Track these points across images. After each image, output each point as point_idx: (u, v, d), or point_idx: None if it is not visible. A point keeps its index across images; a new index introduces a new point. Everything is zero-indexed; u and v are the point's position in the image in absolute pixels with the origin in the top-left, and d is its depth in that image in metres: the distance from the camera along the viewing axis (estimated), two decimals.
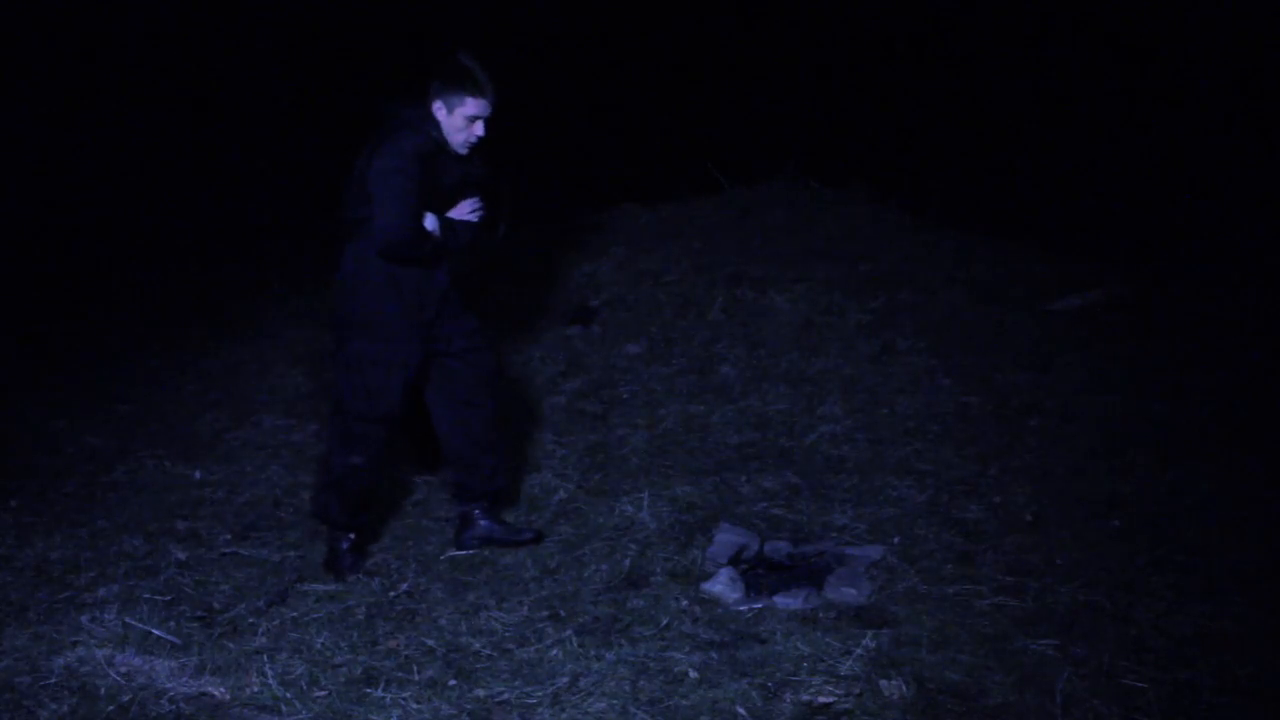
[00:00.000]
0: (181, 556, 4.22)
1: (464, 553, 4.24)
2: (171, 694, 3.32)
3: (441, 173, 4.01)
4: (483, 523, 4.30)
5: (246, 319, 7.30)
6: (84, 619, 3.70)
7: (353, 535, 4.17)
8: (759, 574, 4.00)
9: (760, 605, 3.74)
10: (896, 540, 4.06)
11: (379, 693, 3.34)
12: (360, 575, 4.08)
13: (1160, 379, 5.20)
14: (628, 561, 4.06)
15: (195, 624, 3.74)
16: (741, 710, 3.16)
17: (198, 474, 5.01)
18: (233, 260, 9.12)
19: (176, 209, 10.07)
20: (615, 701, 3.23)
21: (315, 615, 3.80)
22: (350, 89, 11.10)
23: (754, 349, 5.70)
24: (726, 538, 4.09)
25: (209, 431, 5.52)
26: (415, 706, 3.27)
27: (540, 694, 3.29)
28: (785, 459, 4.77)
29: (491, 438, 4.28)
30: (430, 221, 3.98)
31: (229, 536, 4.41)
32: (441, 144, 3.98)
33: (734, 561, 3.99)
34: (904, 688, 3.19)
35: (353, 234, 4.00)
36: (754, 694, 3.22)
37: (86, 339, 7.45)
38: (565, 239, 7.25)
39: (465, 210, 4.10)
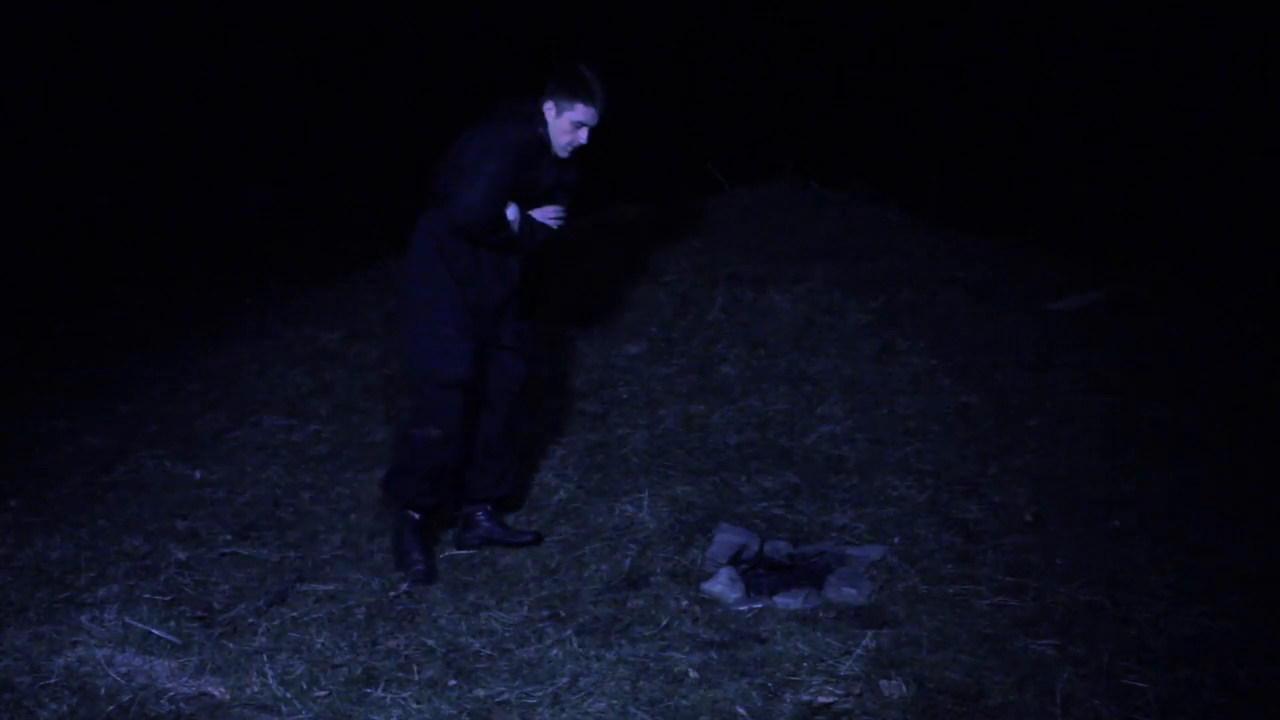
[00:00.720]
0: (181, 556, 4.22)
1: (464, 552, 4.24)
2: (171, 694, 3.32)
3: (538, 171, 4.06)
4: (484, 524, 4.31)
5: (246, 319, 7.30)
6: (84, 619, 3.70)
7: (417, 516, 4.12)
8: (759, 574, 4.00)
9: (760, 605, 3.74)
10: (896, 540, 4.06)
11: (379, 693, 3.34)
12: (361, 575, 4.08)
13: (1160, 379, 5.20)
14: (628, 561, 4.06)
15: (195, 624, 3.74)
16: (741, 710, 3.16)
17: (198, 474, 5.01)
18: (233, 260, 9.12)
19: (176, 209, 10.08)
20: (615, 701, 3.23)
21: (315, 615, 3.80)
22: (350, 89, 11.11)
23: (754, 349, 5.70)
24: (726, 538, 4.09)
25: (209, 431, 5.52)
26: (415, 706, 3.27)
27: (540, 694, 3.29)
28: (785, 459, 4.77)
29: (503, 444, 4.30)
30: (512, 212, 4.00)
31: (229, 536, 4.41)
32: (545, 143, 4.03)
33: (734, 561, 3.99)
34: (904, 688, 3.19)
35: (431, 206, 4.06)
36: (754, 694, 3.22)
37: (86, 339, 7.45)
38: (566, 239, 7.25)
39: (549, 214, 4.13)
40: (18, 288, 8.26)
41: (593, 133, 4.06)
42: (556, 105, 4.01)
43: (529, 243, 4.09)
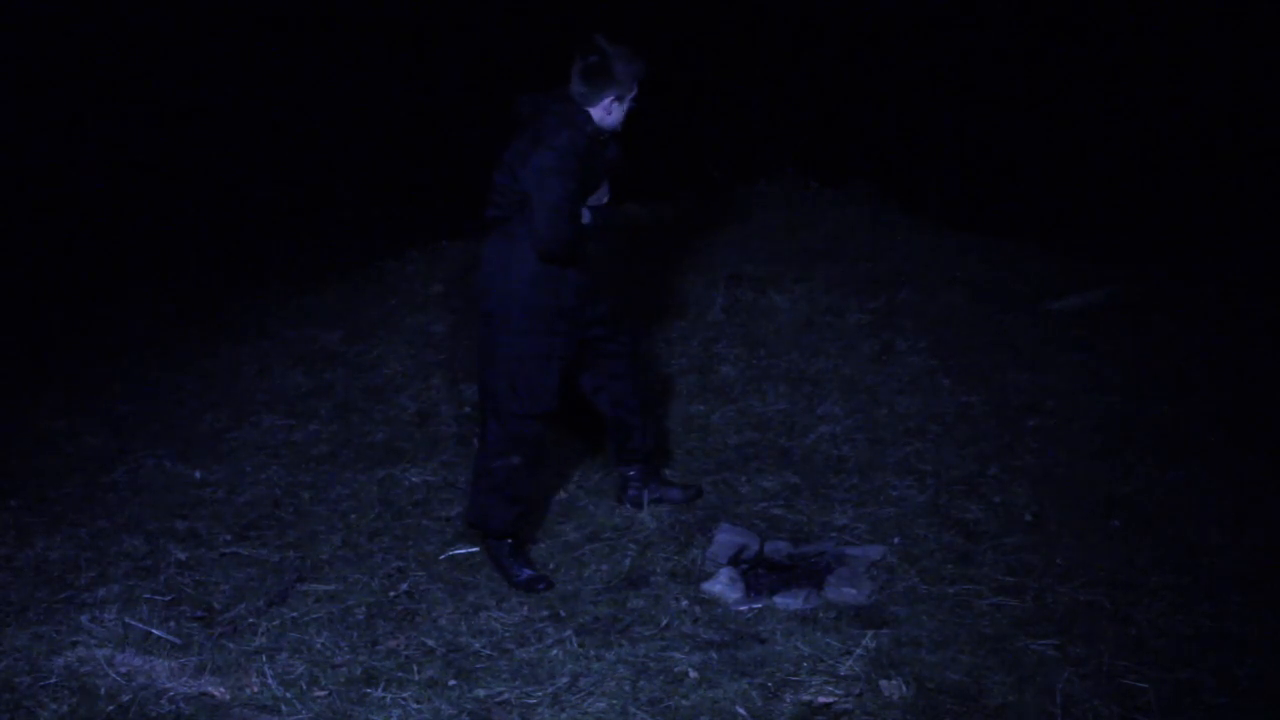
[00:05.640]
0: (181, 556, 4.22)
1: (464, 552, 4.24)
2: (171, 694, 3.32)
3: (596, 162, 3.98)
4: (637, 484, 4.44)
5: (246, 319, 7.29)
6: (84, 619, 3.70)
7: (510, 540, 4.10)
8: (759, 574, 4.00)
9: (760, 605, 3.74)
10: (896, 540, 4.06)
11: (379, 693, 3.34)
12: (361, 575, 4.08)
13: (1160, 379, 5.20)
14: (628, 561, 4.07)
15: (195, 624, 3.74)
16: (741, 710, 3.16)
17: (198, 474, 5.01)
18: (233, 260, 9.11)
19: (176, 209, 10.07)
20: (615, 701, 3.23)
21: (315, 615, 3.80)
22: (348, 88, 11.10)
23: (754, 349, 5.70)
24: (726, 538, 4.09)
25: (209, 431, 5.51)
26: (415, 706, 3.27)
27: (540, 694, 3.30)
28: (785, 459, 4.77)
29: (636, 402, 4.36)
30: (584, 216, 3.97)
31: (229, 536, 4.41)
32: (594, 135, 3.92)
33: (734, 561, 4.00)
34: (904, 688, 3.20)
35: (495, 229, 3.99)
36: (754, 694, 3.22)
37: (86, 339, 7.45)
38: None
39: (601, 194, 4.08)
40: (18, 287, 8.25)
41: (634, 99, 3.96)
42: (618, 92, 3.87)
43: (601, 228, 4.05)
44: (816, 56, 10.97)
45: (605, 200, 4.09)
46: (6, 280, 8.25)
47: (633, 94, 3.93)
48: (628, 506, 4.43)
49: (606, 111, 3.91)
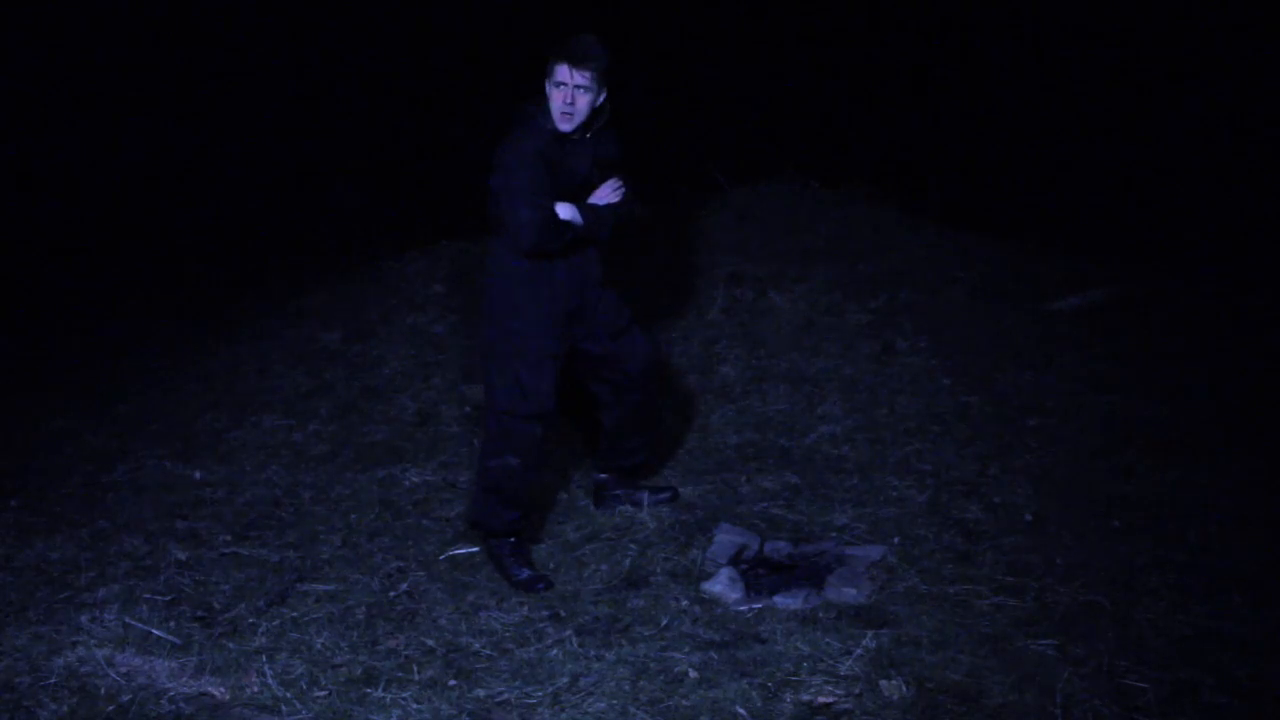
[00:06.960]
0: (181, 556, 4.23)
1: (464, 552, 4.24)
2: (171, 694, 3.32)
3: (570, 160, 3.94)
4: (614, 489, 4.46)
5: (246, 319, 7.29)
6: (84, 619, 3.70)
7: (512, 539, 4.11)
8: (759, 574, 4.00)
9: (760, 605, 3.74)
10: (896, 540, 4.06)
11: (379, 693, 3.34)
12: (361, 575, 4.08)
13: (1160, 379, 5.20)
14: (628, 561, 4.07)
15: (195, 624, 3.74)
16: (741, 710, 3.16)
17: (198, 474, 5.01)
18: (233, 260, 9.12)
19: (176, 209, 10.08)
20: (615, 701, 3.23)
21: (315, 615, 3.80)
22: (348, 88, 11.11)
23: (754, 349, 5.71)
24: (726, 538, 4.09)
25: (209, 431, 5.52)
26: (415, 706, 3.27)
27: (540, 694, 3.30)
28: (785, 459, 4.77)
29: (636, 424, 4.35)
30: (567, 211, 3.93)
31: (229, 536, 4.41)
32: (554, 130, 3.89)
33: (734, 561, 4.00)
34: (904, 688, 3.20)
35: (493, 230, 4.03)
36: (754, 694, 3.22)
37: (87, 339, 7.45)
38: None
39: (606, 192, 4.05)
40: (18, 287, 8.26)
41: (609, 97, 3.90)
42: (546, 79, 3.88)
43: (602, 230, 4.01)
44: (818, 56, 10.97)
45: (614, 200, 4.06)
46: (7, 280, 8.26)
47: (568, 83, 3.82)
48: (627, 507, 4.43)
49: (553, 99, 3.87)
